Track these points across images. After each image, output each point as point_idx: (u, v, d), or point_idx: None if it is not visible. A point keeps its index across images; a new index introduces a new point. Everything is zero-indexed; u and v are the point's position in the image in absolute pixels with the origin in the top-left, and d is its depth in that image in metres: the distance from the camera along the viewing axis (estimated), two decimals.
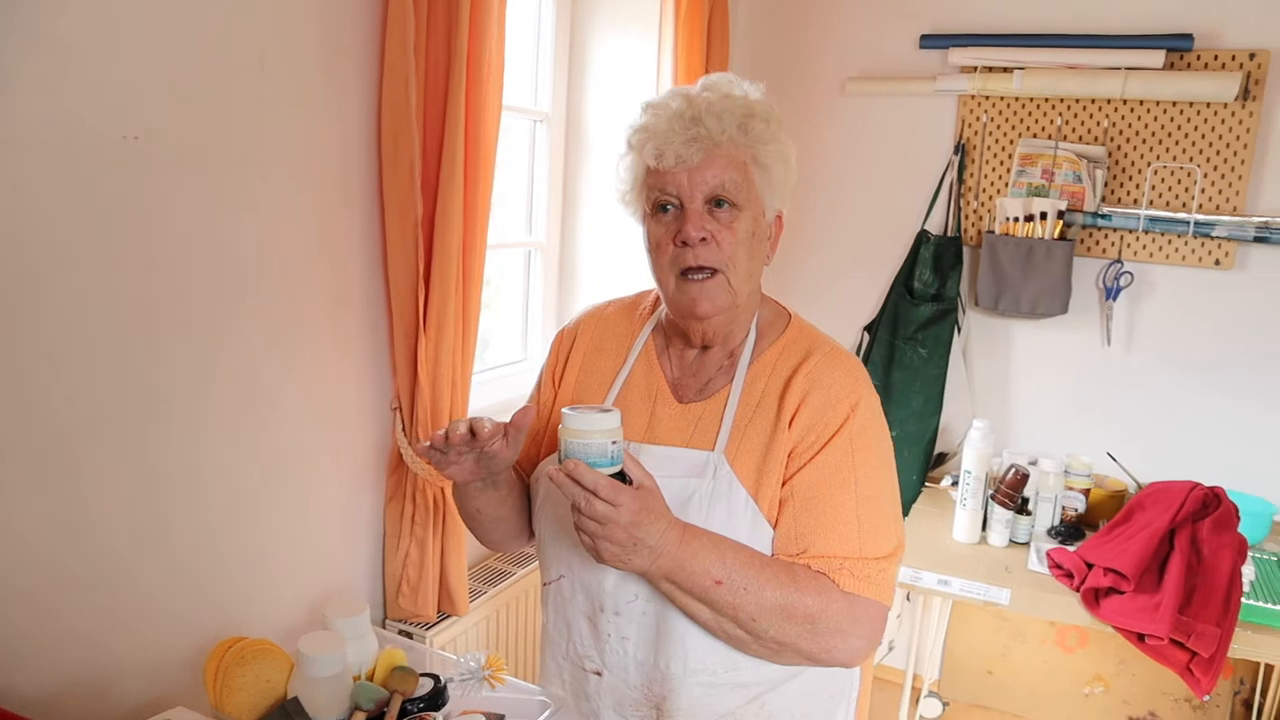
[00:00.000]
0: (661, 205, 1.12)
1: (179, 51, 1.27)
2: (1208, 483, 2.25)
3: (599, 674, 1.19)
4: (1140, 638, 2.03)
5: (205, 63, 1.31)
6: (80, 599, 1.25)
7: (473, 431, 1.06)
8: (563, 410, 1.02)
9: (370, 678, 1.32)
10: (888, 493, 1.14)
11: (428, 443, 1.10)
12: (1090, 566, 2.15)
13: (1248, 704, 2.66)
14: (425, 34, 1.56)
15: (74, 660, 1.25)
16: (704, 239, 1.09)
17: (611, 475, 1.00)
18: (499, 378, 2.44)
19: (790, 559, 1.10)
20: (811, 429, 1.12)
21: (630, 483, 1.02)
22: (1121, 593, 2.07)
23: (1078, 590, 2.14)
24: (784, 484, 1.12)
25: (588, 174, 2.62)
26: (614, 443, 1.01)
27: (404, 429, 1.70)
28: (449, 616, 1.81)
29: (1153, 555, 2.10)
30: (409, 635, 1.75)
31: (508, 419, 1.09)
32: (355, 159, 1.59)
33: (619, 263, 2.65)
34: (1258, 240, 2.43)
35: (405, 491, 1.73)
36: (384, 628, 1.77)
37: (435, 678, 1.32)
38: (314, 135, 1.50)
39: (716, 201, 1.10)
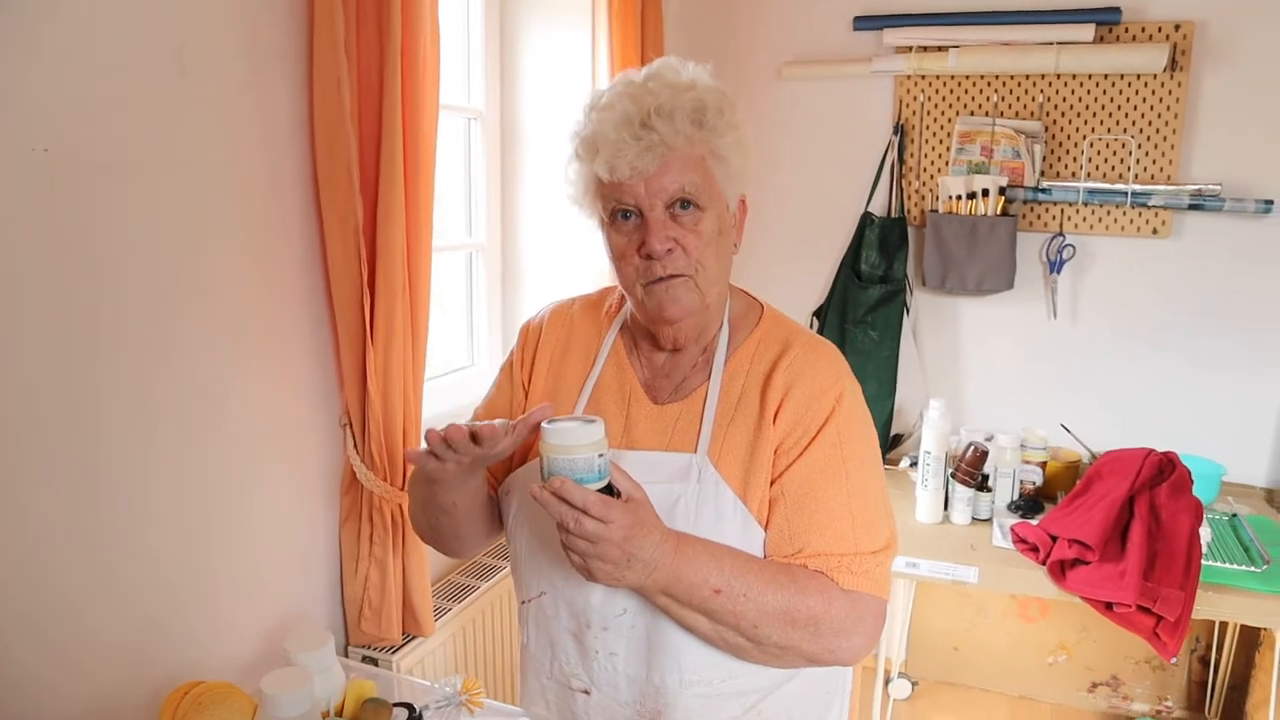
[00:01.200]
0: (621, 213, 1.06)
1: (89, 56, 1.17)
2: (1159, 447, 2.29)
3: (587, 692, 1.13)
4: (1108, 606, 2.06)
5: (119, 67, 1.21)
6: (27, 638, 1.15)
7: (474, 436, 0.99)
8: (542, 425, 0.96)
9: (339, 713, 1.24)
10: (877, 483, 1.11)
11: (422, 447, 1.02)
12: (1054, 539, 2.16)
13: (1204, 660, 2.72)
14: (356, 29, 1.48)
15: (21, 710, 1.15)
16: (669, 249, 1.04)
17: (599, 490, 0.95)
18: (446, 385, 2.36)
19: (785, 560, 1.06)
20: (797, 424, 1.07)
21: (618, 495, 0.96)
22: (1087, 563, 2.09)
23: (1043, 563, 2.15)
24: (773, 483, 1.07)
25: (526, 172, 2.55)
26: (600, 455, 0.95)
27: (355, 446, 1.62)
28: (414, 637, 1.73)
29: (1114, 524, 2.12)
30: (374, 661, 1.67)
31: (461, 424, 1.03)
32: (287, 163, 1.50)
33: (563, 262, 2.59)
34: (1192, 208, 2.47)
35: (361, 511, 1.65)
36: (346, 655, 1.69)
37: (409, 707, 1.25)
38: (241, 139, 1.41)
39: (680, 204, 1.04)
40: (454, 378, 2.45)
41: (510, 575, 2.04)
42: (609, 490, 0.96)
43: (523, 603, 1.20)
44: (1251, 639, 2.56)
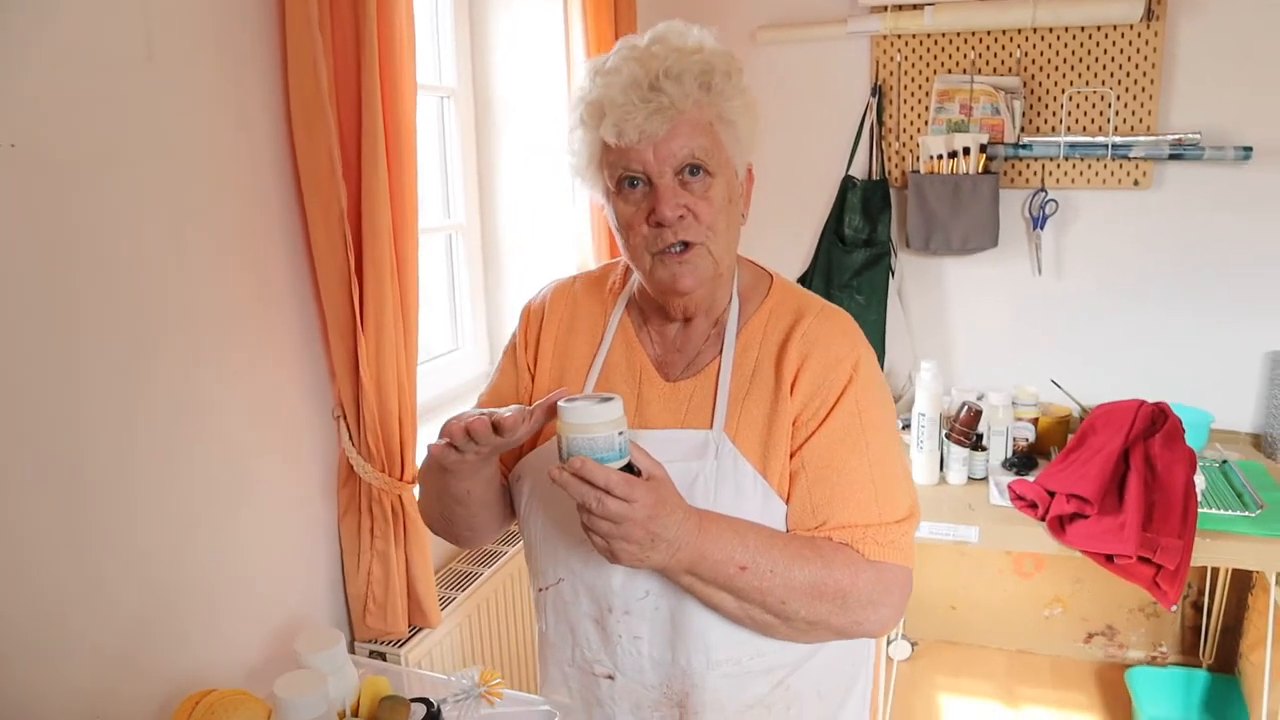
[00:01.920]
0: (628, 180, 1.02)
1: (53, 46, 1.11)
2: (1148, 398, 2.30)
3: (611, 678, 1.11)
4: (1108, 558, 2.07)
5: (85, 56, 1.15)
6: (16, 646, 1.11)
7: (495, 427, 0.96)
8: (559, 405, 0.93)
9: (355, 712, 1.21)
10: (896, 451, 1.09)
11: (443, 440, 0.99)
12: (1052, 495, 2.17)
13: (1197, 606, 2.76)
14: (329, 7, 1.42)
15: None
16: (681, 216, 1.01)
17: (620, 469, 0.92)
18: (433, 370, 2.31)
19: (809, 533, 1.04)
20: (815, 395, 1.05)
21: (638, 473, 0.94)
22: (1086, 517, 2.10)
23: (1043, 519, 2.16)
24: (792, 455, 1.05)
25: (503, 150, 2.50)
26: (620, 433, 0.92)
27: (351, 438, 1.58)
28: (420, 629, 1.70)
29: (1111, 477, 2.13)
30: (382, 656, 1.64)
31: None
32: (264, 149, 1.44)
33: (544, 240, 2.54)
34: (1172, 158, 2.48)
35: (360, 504, 1.61)
36: (353, 651, 1.66)
37: (427, 702, 1.22)
38: (214, 126, 1.35)
39: (690, 170, 1.01)
40: (440, 362, 2.40)
41: (514, 560, 2.04)
42: (630, 469, 0.93)
43: (539, 590, 1.17)
44: (1243, 582, 2.60)
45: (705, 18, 3.07)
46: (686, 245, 1.03)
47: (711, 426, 1.08)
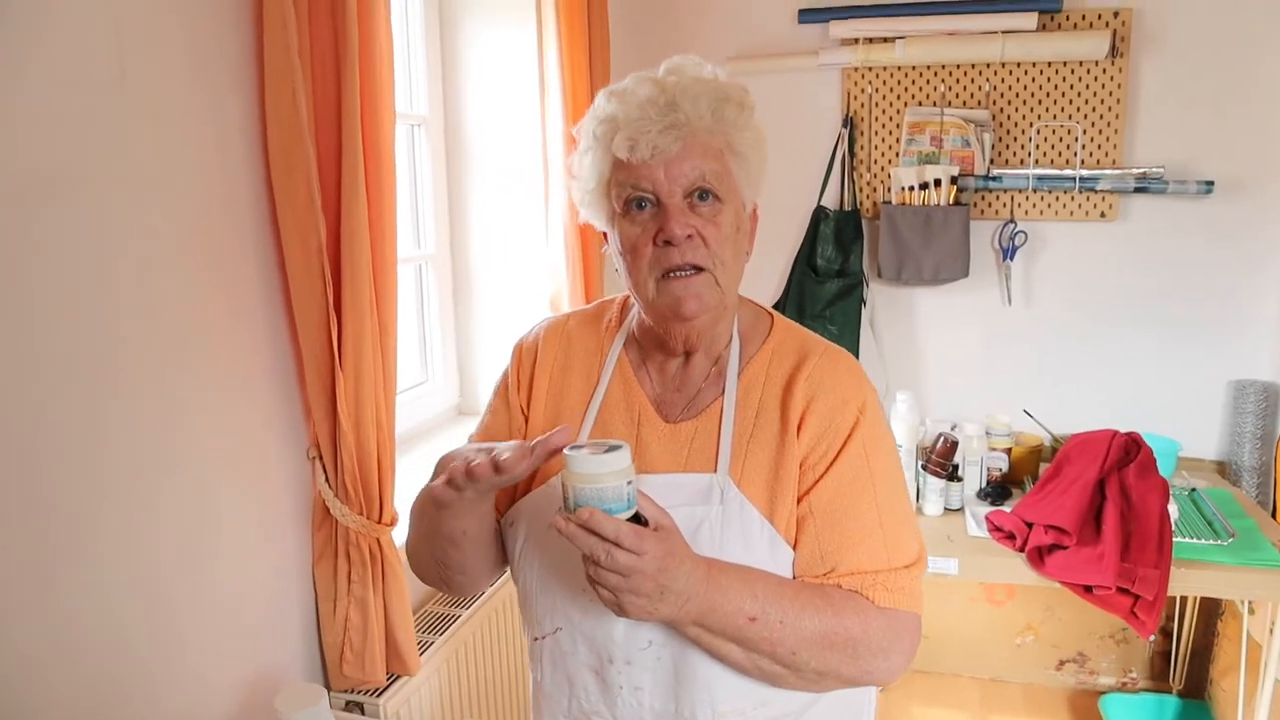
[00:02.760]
0: (636, 202, 1.01)
1: (21, 66, 1.05)
2: (1116, 426, 2.33)
3: None
4: (1087, 589, 2.07)
5: (54, 76, 1.10)
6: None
7: (496, 466, 0.92)
8: (566, 453, 0.89)
9: None
10: (903, 495, 1.08)
11: (443, 479, 0.96)
12: (1030, 525, 2.18)
13: (1166, 632, 2.79)
14: (309, 33, 1.38)
15: None
16: (689, 236, 0.99)
17: (628, 519, 0.88)
18: (402, 403, 2.25)
19: (817, 580, 1.02)
20: (823, 437, 1.03)
21: (645, 523, 0.90)
22: (1065, 548, 2.10)
23: (1021, 550, 2.16)
24: (799, 500, 1.03)
25: (474, 179, 2.46)
26: (629, 483, 0.89)
27: (327, 478, 1.51)
28: (398, 677, 1.64)
29: (1088, 507, 2.14)
30: (359, 706, 1.57)
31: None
32: (240, 178, 1.39)
33: (516, 272, 2.50)
34: (1138, 190, 2.52)
35: (336, 548, 1.54)
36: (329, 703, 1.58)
37: None
38: (189, 153, 1.29)
39: (699, 194, 1.00)
40: (409, 395, 2.34)
41: (493, 600, 1.97)
42: (637, 519, 0.90)
43: (535, 639, 1.13)
44: (1211, 609, 2.63)
45: (677, 47, 3.06)
46: (696, 269, 1.01)
47: (715, 470, 1.05)
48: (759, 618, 0.95)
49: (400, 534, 1.65)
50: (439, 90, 2.41)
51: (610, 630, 1.04)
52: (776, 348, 1.10)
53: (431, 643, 1.74)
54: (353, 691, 1.59)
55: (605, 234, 1.08)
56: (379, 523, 1.54)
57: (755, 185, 1.07)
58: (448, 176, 2.48)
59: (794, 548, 1.03)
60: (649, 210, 1.01)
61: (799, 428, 1.04)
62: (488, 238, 2.51)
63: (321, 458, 1.52)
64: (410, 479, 1.60)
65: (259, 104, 1.39)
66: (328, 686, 1.60)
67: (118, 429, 1.20)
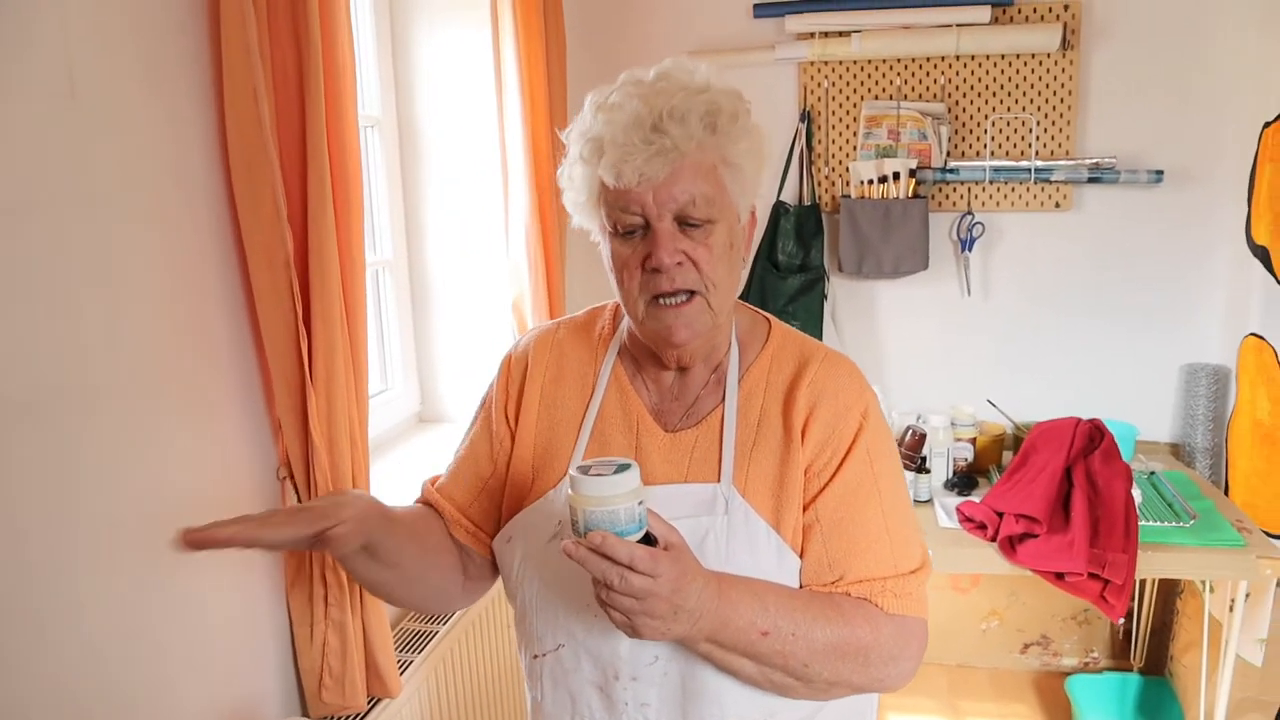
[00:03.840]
0: (626, 227, 0.98)
1: None
2: (1074, 412, 2.37)
3: None
4: (1058, 576, 2.11)
5: (1, 95, 1.02)
6: None
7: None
8: (572, 475, 0.86)
9: None
10: (906, 499, 1.07)
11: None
12: (1000, 515, 2.20)
13: (1126, 612, 2.85)
14: (268, 35, 1.31)
15: None
16: (679, 263, 0.96)
17: (639, 539, 0.86)
18: None
19: (825, 589, 1.00)
20: (827, 444, 1.02)
21: (654, 542, 0.88)
22: (1035, 536, 2.13)
23: (993, 540, 2.19)
24: (805, 508, 1.01)
25: (430, 181, 2.40)
26: (640, 503, 0.86)
27: (299, 499, 1.45)
28: (379, 700, 1.58)
29: (1056, 495, 2.18)
30: None
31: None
32: (199, 189, 1.32)
33: (476, 276, 2.45)
34: (1091, 181, 2.56)
35: (311, 572, 1.48)
36: None
37: None
38: (145, 168, 1.22)
39: (690, 216, 0.96)
40: (370, 404, 2.27)
41: (470, 612, 1.92)
42: (647, 539, 0.87)
43: (534, 657, 1.09)
44: (1170, 588, 2.70)
45: (632, 44, 3.04)
46: (690, 296, 0.98)
47: (718, 479, 1.03)
48: (771, 632, 0.94)
49: None
50: (391, 91, 2.34)
51: (616, 646, 1.01)
52: (776, 353, 1.08)
53: (410, 661, 1.69)
54: (333, 718, 1.53)
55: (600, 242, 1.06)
56: None
57: (752, 191, 1.03)
58: (403, 179, 2.41)
59: (800, 556, 1.01)
60: (638, 234, 0.98)
61: (803, 434, 1.02)
62: (445, 241, 2.44)
63: (293, 477, 1.46)
64: (382, 494, 1.55)
65: (217, 108, 1.32)
66: (306, 714, 1.54)
67: (77, 456, 1.12)
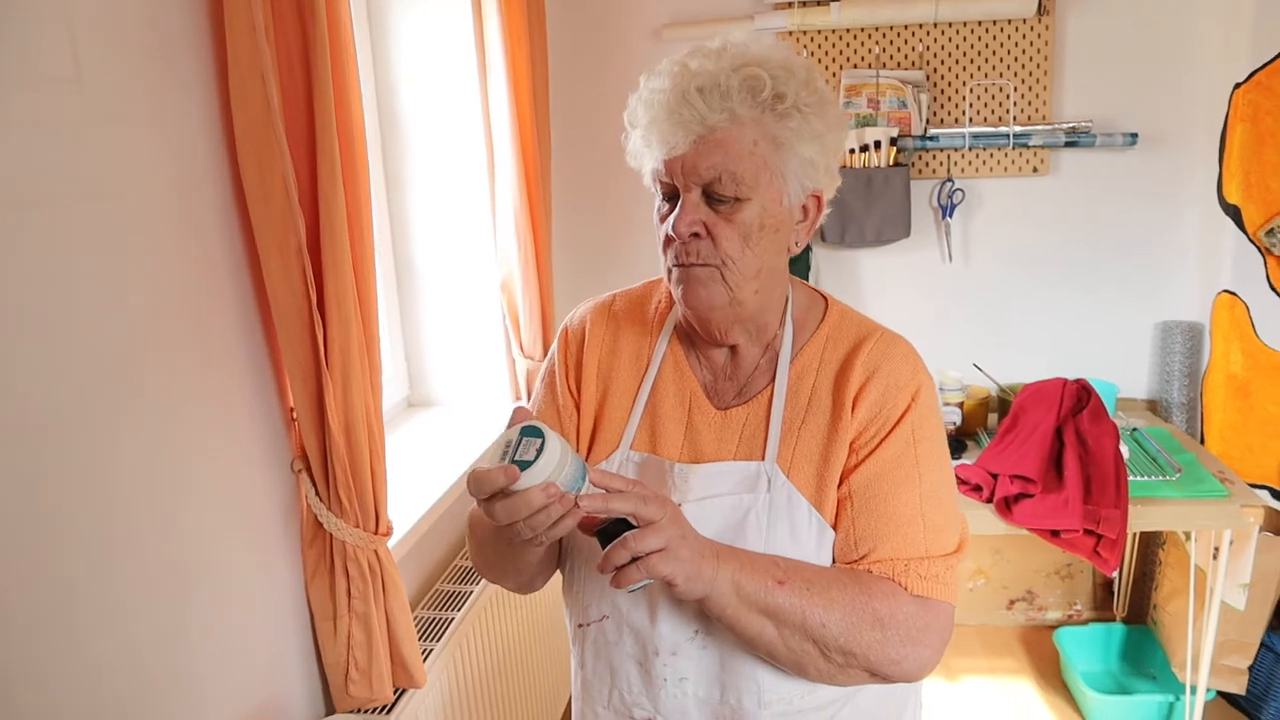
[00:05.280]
0: (668, 191, 1.00)
1: None
2: (1056, 373, 2.42)
3: None
4: (1053, 533, 2.15)
5: (5, 83, 0.97)
6: None
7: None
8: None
9: None
10: (949, 484, 1.06)
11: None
12: (995, 477, 2.24)
13: None
14: (272, 15, 1.26)
15: None
16: (696, 234, 0.97)
17: (602, 497, 0.89)
18: None
19: (850, 565, 1.00)
20: (875, 419, 1.01)
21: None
22: (1030, 496, 2.17)
23: (989, 501, 2.23)
24: (841, 482, 1.01)
25: (412, 162, 2.35)
26: (572, 457, 0.88)
27: (317, 491, 1.42)
28: (404, 691, 1.57)
29: (1049, 455, 2.22)
30: None
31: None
32: (205, 177, 1.27)
33: (463, 257, 2.41)
34: (1068, 145, 2.60)
35: (332, 564, 1.45)
36: None
37: None
38: (152, 154, 1.17)
39: (718, 189, 0.96)
40: None
41: (483, 596, 1.91)
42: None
43: (579, 625, 1.10)
44: (1150, 539, 2.78)
45: (610, 15, 3.00)
46: (702, 265, 0.99)
47: (764, 458, 1.03)
48: (787, 581, 0.94)
49: (396, 543, 1.59)
50: (369, 70, 2.28)
51: (656, 623, 1.02)
52: (831, 333, 1.07)
53: (431, 649, 1.68)
54: (359, 712, 1.51)
55: None
56: (376, 533, 1.46)
57: (813, 173, 0.99)
58: (383, 159, 2.36)
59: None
60: (674, 202, 0.99)
61: (854, 406, 1.02)
62: (430, 223, 2.40)
63: (309, 470, 1.43)
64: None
65: (221, 92, 1.27)
66: (331, 709, 1.52)
67: (83, 458, 1.08)
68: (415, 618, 1.79)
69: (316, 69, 1.30)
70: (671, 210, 0.99)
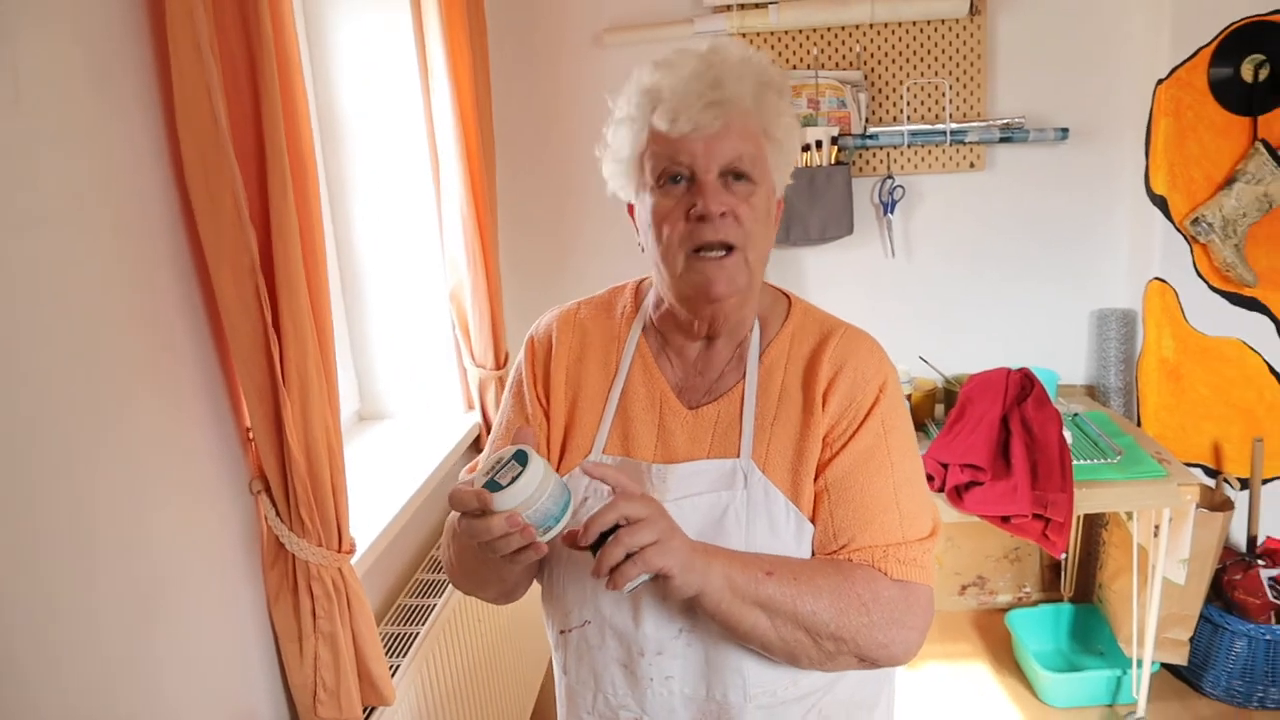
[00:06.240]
0: (671, 176, 1.00)
1: None
2: (1000, 363, 2.49)
3: None
4: (1003, 519, 2.22)
5: None
6: None
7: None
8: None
9: None
10: (919, 471, 1.10)
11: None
12: (945, 466, 2.30)
13: None
14: (215, 29, 1.24)
15: None
16: (723, 214, 0.98)
17: (569, 528, 0.92)
18: None
19: (830, 555, 1.04)
20: (846, 412, 1.05)
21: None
22: (980, 484, 2.23)
23: (941, 490, 2.28)
24: (816, 476, 1.04)
25: (354, 170, 2.32)
26: (556, 482, 0.91)
27: (278, 512, 1.40)
28: (373, 709, 1.55)
29: (997, 443, 2.28)
30: None
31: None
32: (152, 196, 1.24)
33: (410, 266, 2.39)
34: (1002, 140, 2.67)
35: (294, 584, 1.43)
36: None
37: None
38: (94, 175, 1.14)
39: (732, 175, 1.00)
40: None
41: (447, 609, 1.89)
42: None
43: (561, 632, 1.11)
44: (1094, 521, 2.87)
45: (551, 19, 3.00)
46: (728, 250, 1.00)
47: (739, 454, 1.05)
48: (775, 573, 0.97)
49: (357, 560, 1.57)
50: (308, 79, 2.25)
51: (641, 623, 1.03)
52: (796, 330, 1.10)
53: (397, 665, 1.66)
54: None
55: (630, 205, 1.09)
56: (339, 551, 1.44)
57: (785, 168, 1.07)
58: (325, 169, 2.32)
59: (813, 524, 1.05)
60: (683, 185, 1.00)
61: (824, 401, 1.05)
62: (375, 233, 2.37)
63: (269, 490, 1.40)
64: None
65: (166, 109, 1.24)
66: None
67: (27, 492, 1.05)
68: (380, 634, 1.77)
69: (264, 84, 1.28)
70: (674, 202, 1.00)
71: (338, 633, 1.45)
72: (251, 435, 1.39)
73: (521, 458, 0.88)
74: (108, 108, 1.16)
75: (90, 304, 1.12)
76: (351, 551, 1.48)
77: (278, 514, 1.41)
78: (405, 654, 1.70)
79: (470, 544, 1.04)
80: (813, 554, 1.04)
